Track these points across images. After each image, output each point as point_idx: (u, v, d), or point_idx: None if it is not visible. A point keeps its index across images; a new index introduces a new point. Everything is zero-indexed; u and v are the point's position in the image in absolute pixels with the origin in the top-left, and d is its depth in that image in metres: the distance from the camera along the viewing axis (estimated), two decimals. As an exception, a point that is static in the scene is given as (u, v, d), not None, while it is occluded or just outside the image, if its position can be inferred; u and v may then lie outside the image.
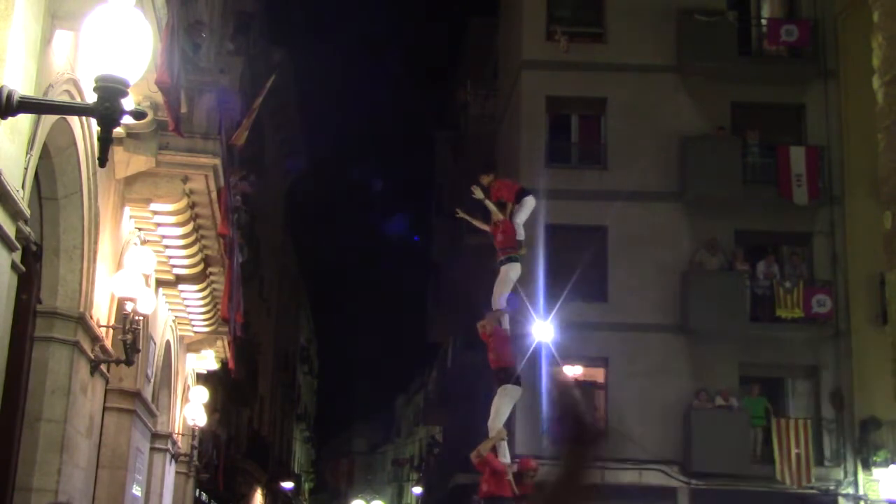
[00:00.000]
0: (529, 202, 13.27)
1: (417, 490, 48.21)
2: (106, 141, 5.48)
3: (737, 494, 21.52)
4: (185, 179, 11.43)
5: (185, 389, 18.42)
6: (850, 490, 22.09)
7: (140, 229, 12.03)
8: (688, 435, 22.05)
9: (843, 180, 23.46)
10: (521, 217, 13.13)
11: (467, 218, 13.94)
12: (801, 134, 24.14)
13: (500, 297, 12.96)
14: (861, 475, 22.08)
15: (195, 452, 19.32)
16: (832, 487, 22.07)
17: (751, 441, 22.17)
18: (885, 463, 21.64)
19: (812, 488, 21.83)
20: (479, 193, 13.58)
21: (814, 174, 23.14)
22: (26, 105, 5.97)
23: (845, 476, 22.25)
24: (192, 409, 18.15)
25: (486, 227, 13.39)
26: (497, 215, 13.23)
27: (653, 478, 22.08)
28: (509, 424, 14.26)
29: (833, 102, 23.92)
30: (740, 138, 23.64)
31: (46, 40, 7.22)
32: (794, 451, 21.73)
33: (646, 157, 23.58)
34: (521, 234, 13.13)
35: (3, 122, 6.01)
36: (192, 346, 18.11)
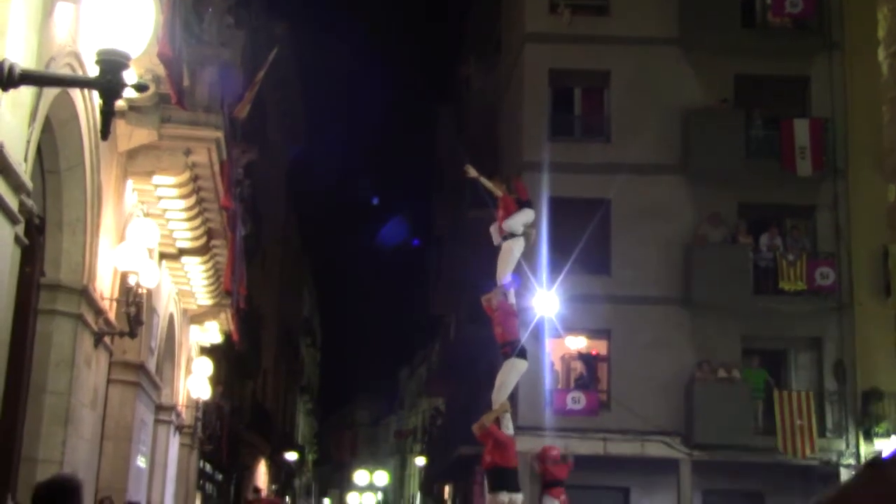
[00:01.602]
0: (529, 213, 13.27)
1: (421, 461, 48.42)
2: (108, 114, 5.47)
3: (739, 465, 21.61)
4: (188, 152, 11.42)
5: (189, 362, 18.49)
6: (852, 461, 22.16)
7: (143, 202, 12.03)
8: (690, 406, 22.11)
9: (846, 153, 23.37)
10: (517, 218, 13.10)
11: (476, 175, 13.71)
12: (806, 106, 24.03)
13: (505, 272, 12.99)
14: (863, 446, 22.16)
15: (199, 424, 19.41)
16: (834, 458, 22.15)
17: (752, 413, 22.24)
18: (887, 434, 21.72)
19: (814, 459, 21.91)
20: (472, 172, 13.56)
21: (818, 146, 23.05)
22: (28, 78, 5.96)
23: (847, 447, 22.33)
24: (195, 382, 18.22)
25: (496, 190, 13.30)
26: (496, 191, 13.23)
27: (655, 449, 22.17)
28: (512, 397, 14.30)
29: (837, 74, 23.79)
30: (743, 111, 23.54)
31: (48, 13, 7.19)
32: (796, 422, 21.78)
33: (649, 130, 23.50)
34: (517, 225, 13.12)
35: (4, 94, 6.00)
36: (196, 319, 18.16)
